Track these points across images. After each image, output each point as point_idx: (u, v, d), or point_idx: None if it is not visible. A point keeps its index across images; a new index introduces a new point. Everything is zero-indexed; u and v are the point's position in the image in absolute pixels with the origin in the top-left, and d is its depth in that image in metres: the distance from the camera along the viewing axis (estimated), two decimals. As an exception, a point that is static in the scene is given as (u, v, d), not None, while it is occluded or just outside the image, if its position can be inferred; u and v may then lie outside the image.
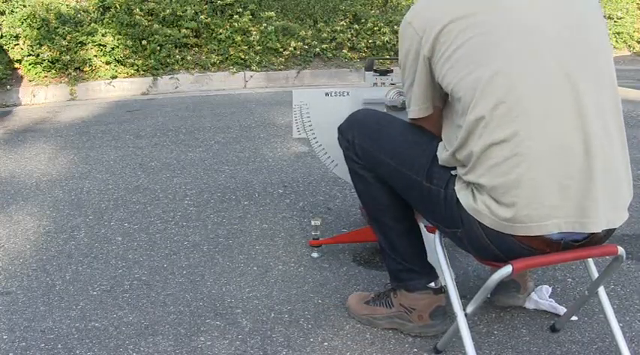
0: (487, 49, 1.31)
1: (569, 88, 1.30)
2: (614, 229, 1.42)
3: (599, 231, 1.33)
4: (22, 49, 5.42)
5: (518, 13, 1.33)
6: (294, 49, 6.20)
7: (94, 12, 5.80)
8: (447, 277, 1.54)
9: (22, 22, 5.47)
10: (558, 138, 1.28)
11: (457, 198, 1.41)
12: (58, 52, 5.41)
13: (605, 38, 1.40)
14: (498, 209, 1.32)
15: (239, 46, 6.05)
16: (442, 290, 1.74)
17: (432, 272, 1.75)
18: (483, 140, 1.31)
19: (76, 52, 5.49)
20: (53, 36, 5.47)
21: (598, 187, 1.30)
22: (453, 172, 1.45)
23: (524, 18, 1.33)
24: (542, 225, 1.30)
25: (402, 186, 1.61)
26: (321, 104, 2.11)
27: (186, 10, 6.01)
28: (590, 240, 1.39)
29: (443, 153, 1.47)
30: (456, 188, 1.42)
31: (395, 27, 6.61)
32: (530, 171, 1.28)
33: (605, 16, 1.63)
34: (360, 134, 1.68)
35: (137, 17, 5.78)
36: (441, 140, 1.53)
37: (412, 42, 1.44)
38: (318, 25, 6.48)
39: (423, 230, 1.88)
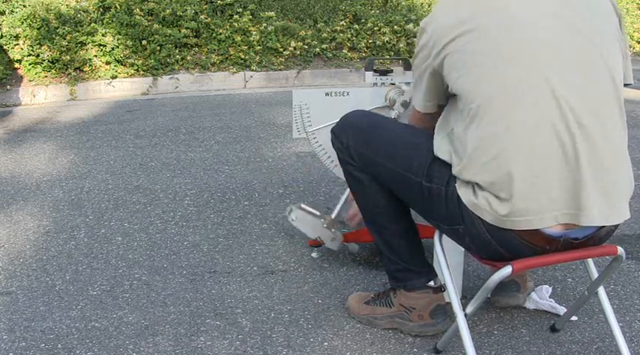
0: (489, 63, 1.34)
1: (549, 89, 1.31)
2: (615, 229, 1.42)
3: (592, 224, 1.33)
4: (22, 49, 5.40)
5: (527, 28, 1.34)
6: (294, 49, 6.19)
7: (94, 12, 5.79)
8: (447, 277, 1.54)
9: (22, 22, 5.46)
10: (540, 136, 1.30)
11: (458, 195, 1.41)
12: (58, 52, 5.40)
13: (609, 35, 1.39)
14: (498, 205, 1.33)
15: (239, 46, 6.04)
16: (442, 289, 1.74)
17: (430, 271, 1.75)
18: (476, 134, 1.35)
19: (76, 52, 5.48)
20: (53, 36, 5.45)
21: (587, 182, 1.30)
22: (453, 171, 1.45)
23: (535, 34, 1.34)
24: (540, 218, 1.31)
25: (400, 187, 1.60)
26: (321, 104, 2.11)
27: (186, 10, 6.00)
28: (591, 239, 1.39)
29: (436, 140, 1.50)
30: (457, 185, 1.42)
31: (395, 27, 6.60)
32: (519, 166, 1.30)
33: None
34: (355, 137, 1.68)
35: (137, 17, 5.77)
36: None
37: (424, 47, 1.46)
38: (318, 25, 6.47)
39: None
